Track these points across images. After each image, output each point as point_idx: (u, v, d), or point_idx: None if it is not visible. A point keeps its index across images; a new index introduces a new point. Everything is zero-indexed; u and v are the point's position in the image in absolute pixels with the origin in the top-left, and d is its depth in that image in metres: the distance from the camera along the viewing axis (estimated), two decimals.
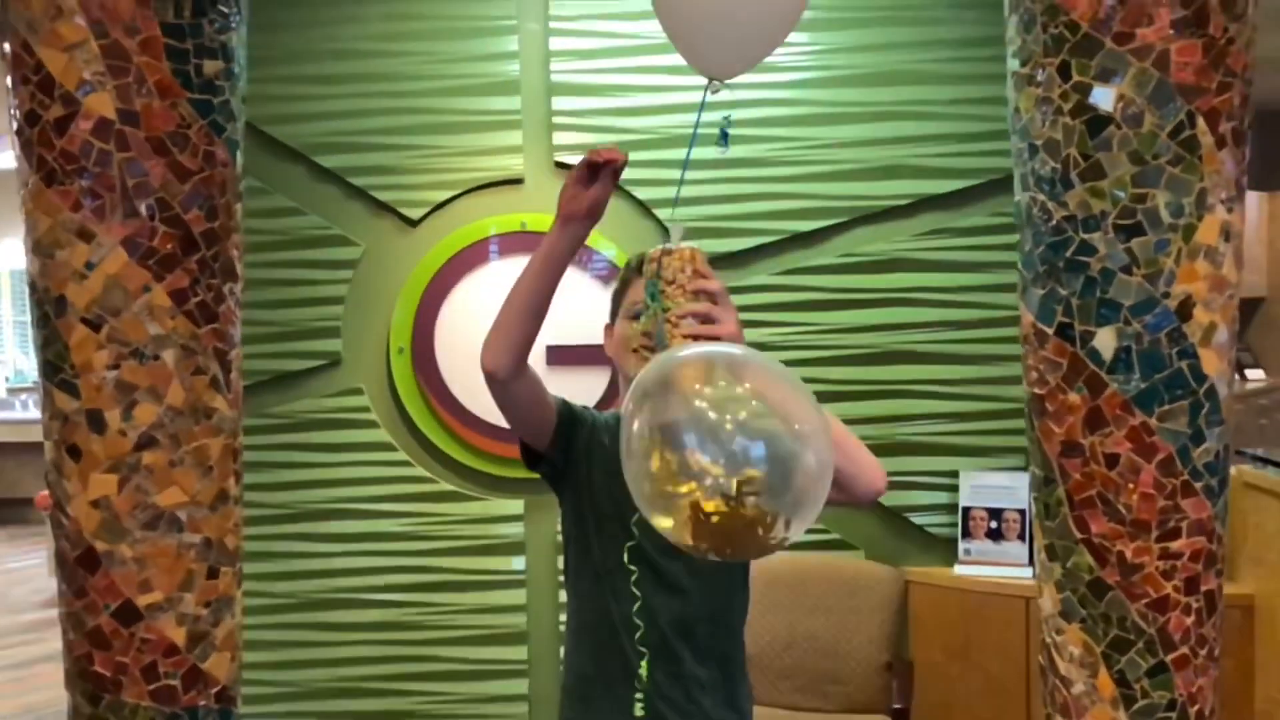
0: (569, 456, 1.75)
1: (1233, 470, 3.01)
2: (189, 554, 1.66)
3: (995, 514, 3.30)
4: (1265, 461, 3.00)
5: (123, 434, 1.60)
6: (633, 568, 1.68)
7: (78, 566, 1.63)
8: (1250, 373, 6.50)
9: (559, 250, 1.58)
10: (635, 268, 1.72)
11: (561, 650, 2.79)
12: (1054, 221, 1.65)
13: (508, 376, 1.62)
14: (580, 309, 3.32)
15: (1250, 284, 6.65)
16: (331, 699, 3.43)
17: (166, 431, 1.63)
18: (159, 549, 1.63)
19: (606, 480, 1.71)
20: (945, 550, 3.36)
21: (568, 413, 1.76)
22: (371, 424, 3.41)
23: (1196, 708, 1.62)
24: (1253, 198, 6.38)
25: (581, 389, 3.29)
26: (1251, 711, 2.98)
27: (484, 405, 3.37)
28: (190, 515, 1.66)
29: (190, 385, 1.65)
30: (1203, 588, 1.62)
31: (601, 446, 1.75)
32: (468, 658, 3.41)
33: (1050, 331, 1.67)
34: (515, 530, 3.34)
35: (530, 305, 1.61)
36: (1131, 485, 1.61)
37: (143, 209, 1.59)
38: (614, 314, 1.78)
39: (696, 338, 1.49)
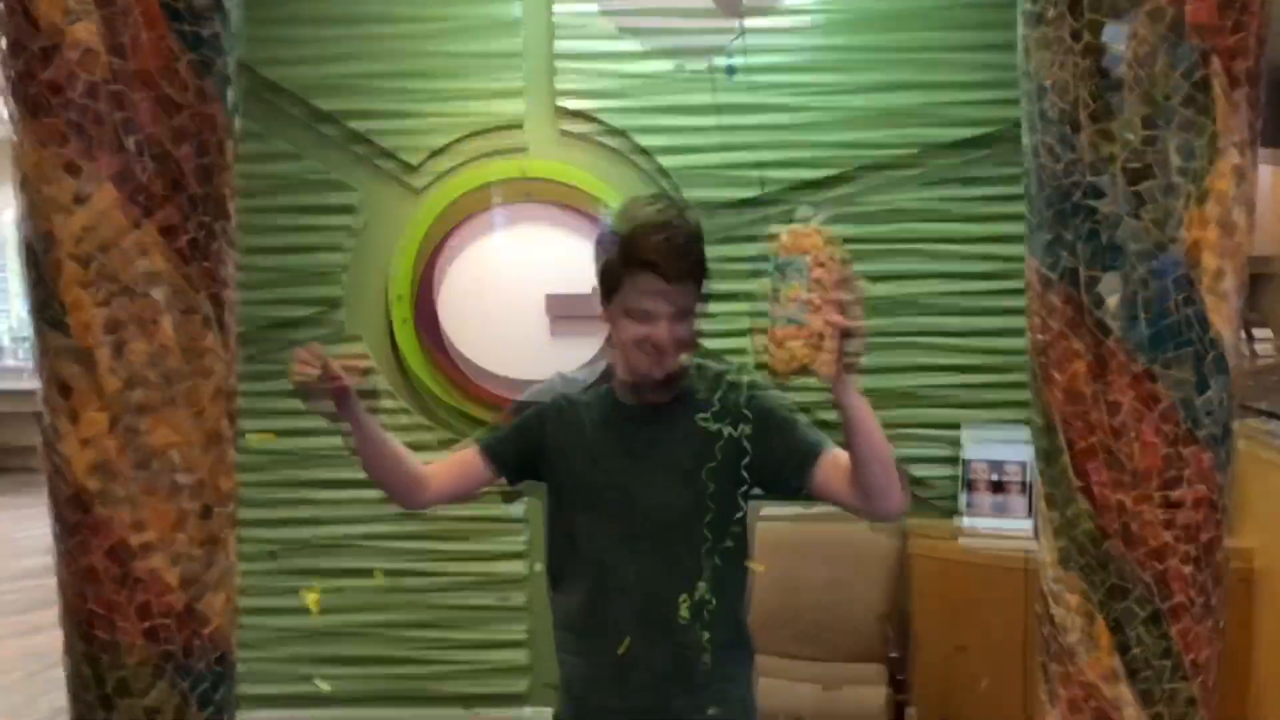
0: (532, 468, 1.76)
1: (1237, 425, 2.99)
2: (182, 494, 1.64)
3: (997, 468, 3.29)
4: (1270, 415, 2.98)
5: (113, 372, 1.58)
6: (628, 542, 1.66)
7: (69, 505, 1.62)
8: (1258, 332, 6.46)
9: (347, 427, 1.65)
10: (628, 260, 1.59)
11: None
12: (1061, 165, 1.61)
13: (417, 505, 1.74)
14: (581, 258, 3.28)
15: (1260, 244, 6.56)
16: (329, 643, 3.46)
17: (158, 371, 1.61)
18: (151, 489, 1.62)
19: (589, 458, 1.69)
20: (946, 504, 3.36)
21: (497, 449, 1.75)
22: (369, 371, 3.39)
23: (1192, 656, 1.61)
24: (1266, 156, 6.29)
25: (581, 339, 3.27)
26: (1250, 667, 2.99)
27: (483, 353, 3.36)
28: (183, 455, 1.64)
29: (182, 324, 1.63)
30: (1202, 537, 1.61)
31: (573, 427, 1.72)
32: (466, 604, 3.43)
33: (1055, 278, 1.64)
34: None
35: (371, 467, 1.72)
36: (1133, 434, 1.59)
37: (131, 144, 1.56)
38: (606, 294, 1.66)
39: (832, 324, 1.45)
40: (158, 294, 1.60)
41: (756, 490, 1.70)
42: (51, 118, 1.54)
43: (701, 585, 1.64)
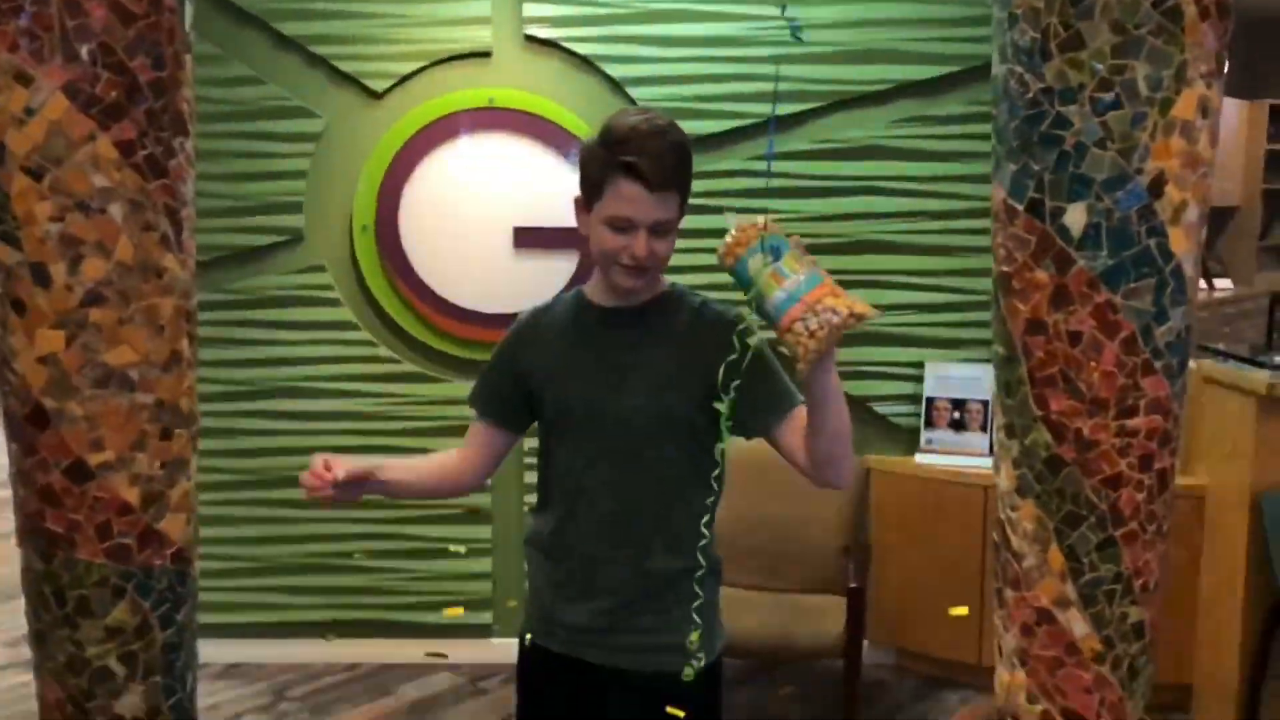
0: (526, 404, 1.75)
1: (1193, 364, 3.04)
2: (141, 414, 1.63)
3: (958, 404, 3.33)
4: (1226, 355, 3.02)
5: (69, 289, 1.56)
6: (599, 457, 1.66)
7: (26, 424, 1.60)
8: (1219, 282, 6.56)
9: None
10: (611, 165, 1.55)
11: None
12: (1030, 94, 1.61)
13: (469, 492, 1.87)
14: (549, 191, 3.26)
15: (1224, 193, 6.65)
16: (295, 574, 3.46)
17: (115, 288, 1.58)
18: (110, 408, 1.60)
19: (561, 367, 1.69)
20: (907, 440, 3.40)
21: (484, 406, 1.78)
22: (334, 302, 3.36)
23: (1141, 580, 1.65)
24: (1232, 105, 6.33)
25: (548, 273, 3.25)
26: (1196, 599, 3.07)
27: (449, 287, 3.33)
28: (142, 375, 1.62)
29: (139, 241, 1.60)
30: (1156, 465, 1.64)
31: (544, 339, 1.71)
32: (431, 536, 3.43)
33: (1021, 208, 1.65)
34: None
35: (413, 498, 1.83)
36: (1093, 363, 1.61)
37: (84, 53, 1.52)
38: (586, 203, 1.62)
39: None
40: (114, 210, 1.57)
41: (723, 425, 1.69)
42: (2, 25, 1.49)
43: (669, 504, 1.65)
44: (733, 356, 1.50)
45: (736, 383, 1.50)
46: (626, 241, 1.56)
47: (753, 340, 1.52)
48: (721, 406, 1.51)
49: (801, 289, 1.38)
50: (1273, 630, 2.75)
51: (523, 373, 1.71)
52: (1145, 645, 1.69)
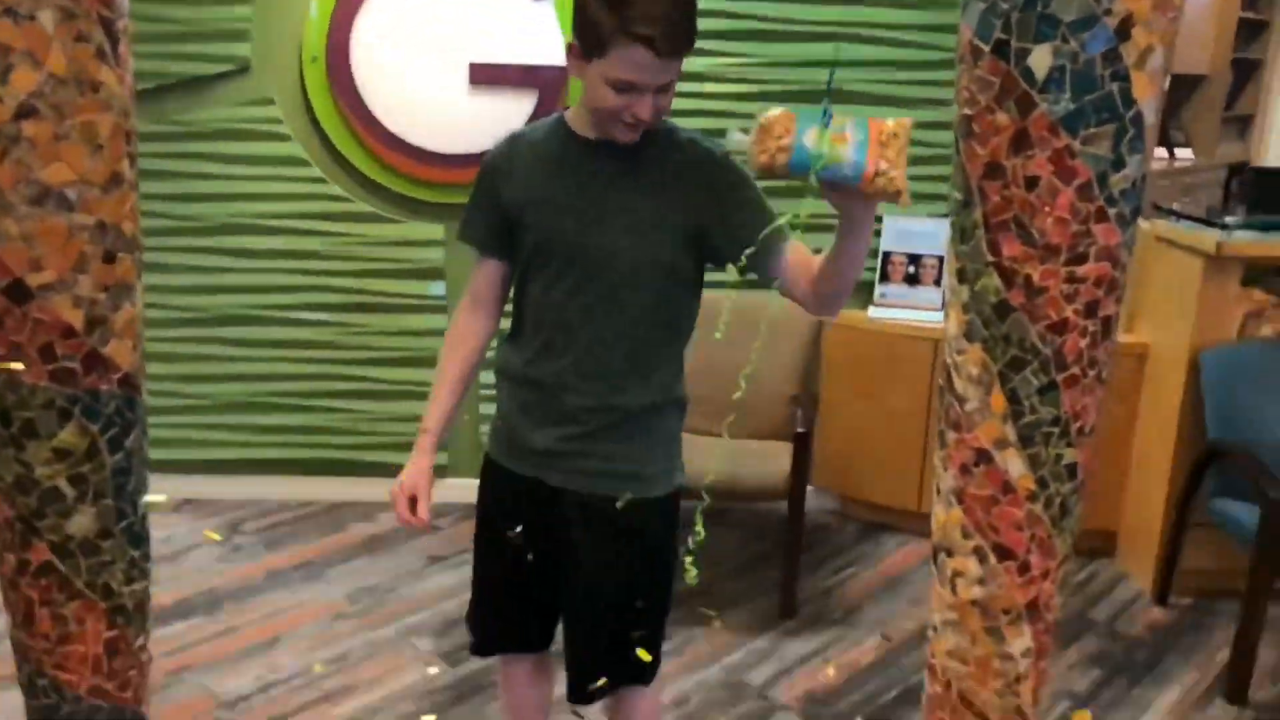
0: (517, 237, 1.72)
1: (1147, 224, 3.07)
2: (81, 235, 1.58)
3: (914, 259, 3.34)
4: (1179, 215, 3.05)
5: None
6: (576, 289, 1.66)
7: None
8: (1180, 152, 6.56)
9: None
10: (621, 30, 1.47)
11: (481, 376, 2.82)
12: None
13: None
14: (508, 26, 3.14)
15: (1194, 61, 6.57)
16: (243, 413, 3.46)
17: (48, 101, 1.51)
18: (48, 227, 1.55)
19: (541, 194, 1.66)
20: (861, 293, 3.42)
21: (478, 237, 1.76)
22: (283, 136, 3.26)
23: (1079, 424, 1.70)
24: None
25: (505, 112, 3.17)
26: (1130, 453, 3.18)
27: (402, 123, 3.24)
28: (81, 195, 1.57)
29: (73, 53, 1.52)
30: (1101, 312, 1.66)
31: (522, 168, 1.68)
32: (384, 378, 3.44)
33: (986, 49, 1.61)
34: (435, 255, 3.28)
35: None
36: (1048, 209, 1.60)
37: None
38: (585, 53, 1.54)
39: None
40: (44, 17, 1.48)
41: (709, 262, 1.71)
42: None
43: (644, 341, 1.67)
44: (774, 228, 1.58)
45: (747, 252, 1.54)
46: (629, 101, 1.52)
47: (786, 220, 1.56)
48: (737, 268, 1.56)
49: (862, 135, 1.43)
50: (1197, 481, 2.87)
51: (505, 205, 1.69)
52: (1077, 485, 1.75)
